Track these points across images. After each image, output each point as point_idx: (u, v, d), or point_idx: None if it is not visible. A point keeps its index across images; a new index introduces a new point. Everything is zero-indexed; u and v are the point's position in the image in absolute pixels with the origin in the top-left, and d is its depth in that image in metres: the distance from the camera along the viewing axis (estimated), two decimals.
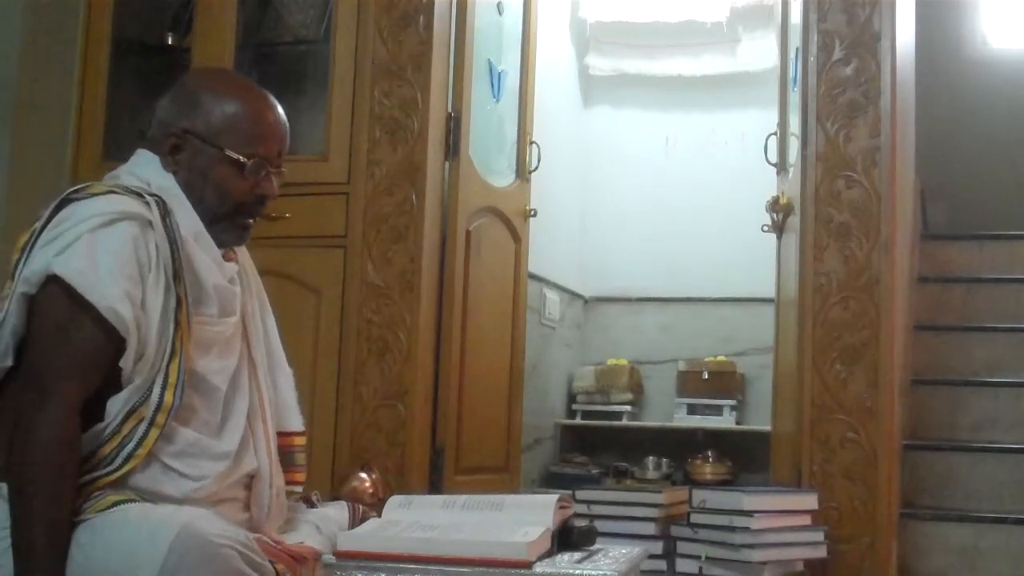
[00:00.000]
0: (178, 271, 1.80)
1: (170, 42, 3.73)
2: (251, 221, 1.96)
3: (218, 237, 1.92)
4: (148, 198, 1.81)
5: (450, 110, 3.41)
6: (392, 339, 3.22)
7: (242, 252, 2.05)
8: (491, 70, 3.78)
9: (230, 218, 1.92)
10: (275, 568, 1.71)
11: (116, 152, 3.60)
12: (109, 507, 1.68)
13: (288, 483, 2.01)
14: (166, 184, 1.88)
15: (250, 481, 1.90)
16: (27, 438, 1.65)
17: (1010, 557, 3.23)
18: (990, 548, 3.24)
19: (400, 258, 3.25)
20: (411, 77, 3.31)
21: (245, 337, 1.98)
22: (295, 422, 2.08)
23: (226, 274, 1.93)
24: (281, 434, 2.02)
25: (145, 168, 1.91)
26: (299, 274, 3.31)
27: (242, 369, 1.94)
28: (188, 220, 1.86)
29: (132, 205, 1.79)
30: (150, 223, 1.78)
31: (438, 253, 3.35)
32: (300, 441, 2.08)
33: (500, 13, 3.85)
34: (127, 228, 1.76)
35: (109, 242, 1.74)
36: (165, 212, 1.82)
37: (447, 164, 3.39)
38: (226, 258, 1.97)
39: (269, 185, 1.93)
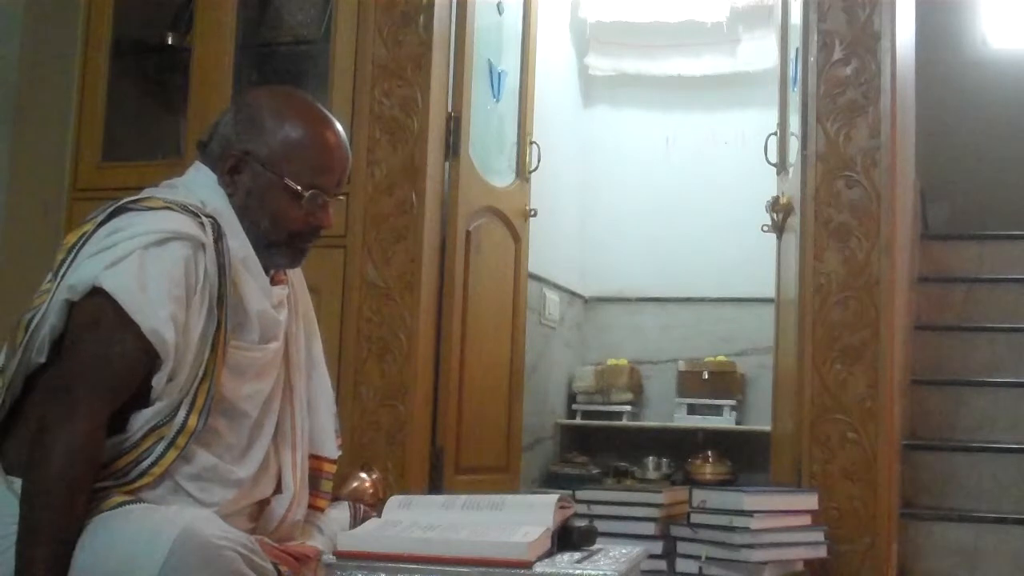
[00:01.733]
0: (223, 296, 1.77)
1: (170, 42, 3.73)
2: (307, 247, 1.93)
3: (270, 261, 1.89)
4: (204, 219, 1.78)
5: (450, 110, 3.41)
6: (392, 339, 3.22)
7: (296, 275, 2.03)
8: (491, 70, 3.78)
9: (284, 245, 1.89)
10: (277, 569, 1.71)
11: (116, 152, 3.61)
12: (112, 507, 1.67)
13: (309, 507, 2.00)
14: (220, 206, 1.85)
15: (263, 501, 1.89)
16: (48, 449, 1.62)
17: (1010, 557, 3.23)
18: (990, 548, 3.24)
19: (400, 258, 3.25)
20: (411, 77, 3.31)
21: (286, 362, 1.95)
22: (328, 449, 2.06)
23: (273, 299, 1.90)
24: (312, 458, 2.01)
25: (203, 187, 1.87)
26: None
27: (276, 394, 1.91)
28: (238, 243, 1.83)
29: (187, 225, 1.75)
30: (203, 245, 1.75)
31: (438, 253, 3.35)
32: (329, 468, 2.06)
33: (500, 13, 3.85)
34: (180, 249, 1.73)
35: (161, 262, 1.72)
36: (219, 235, 1.79)
37: (447, 164, 3.39)
38: (276, 280, 1.94)
39: (326, 216, 1.90)
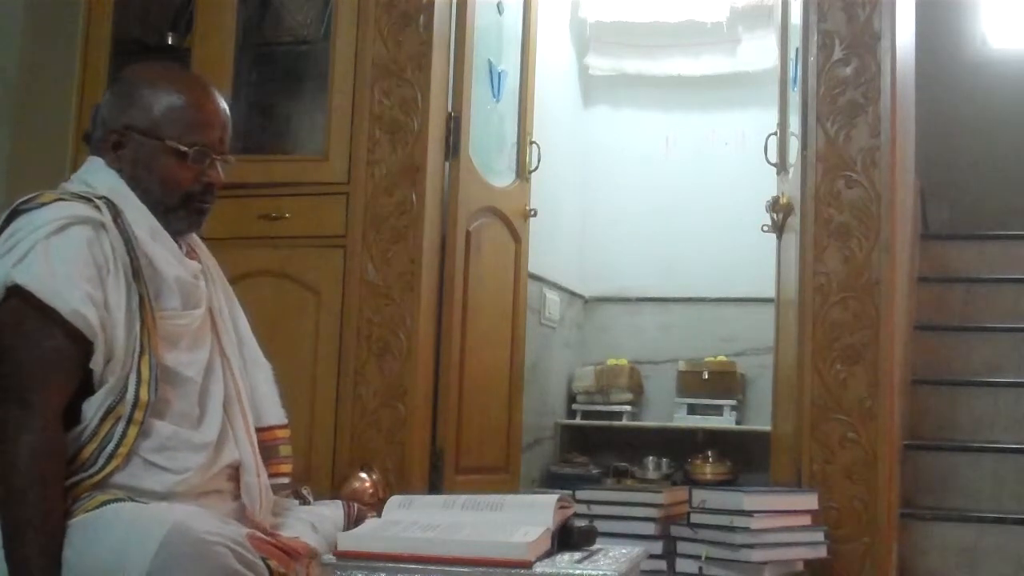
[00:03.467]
0: (137, 269, 1.82)
1: (170, 42, 3.72)
2: (205, 207, 1.97)
3: (172, 227, 1.93)
4: (97, 201, 1.83)
5: (450, 110, 3.41)
6: (392, 339, 3.22)
7: (204, 252, 2.06)
8: (491, 70, 3.78)
9: (181, 208, 1.94)
10: (268, 565, 1.72)
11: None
12: (99, 506, 1.69)
13: (273, 475, 2.02)
14: (114, 184, 1.90)
15: (235, 472, 1.91)
16: (12, 455, 1.65)
17: (1010, 557, 3.23)
18: (990, 548, 3.24)
19: (400, 258, 3.25)
20: (411, 77, 3.31)
21: (215, 331, 1.99)
22: (276, 415, 2.08)
23: (189, 270, 1.95)
24: (261, 429, 2.03)
25: (91, 173, 1.94)
26: (299, 274, 3.31)
27: (214, 361, 1.95)
28: (140, 216, 1.88)
29: (82, 209, 1.81)
30: (102, 225, 1.81)
31: (438, 253, 3.35)
32: (283, 434, 2.09)
33: (500, 13, 3.85)
34: (80, 232, 1.78)
35: (64, 247, 1.76)
36: (116, 213, 1.84)
37: (447, 164, 3.39)
38: (189, 257, 1.98)
39: (215, 173, 1.95)
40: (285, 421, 2.10)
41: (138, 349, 1.78)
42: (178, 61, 3.63)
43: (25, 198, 1.84)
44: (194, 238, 2.06)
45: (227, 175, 2.00)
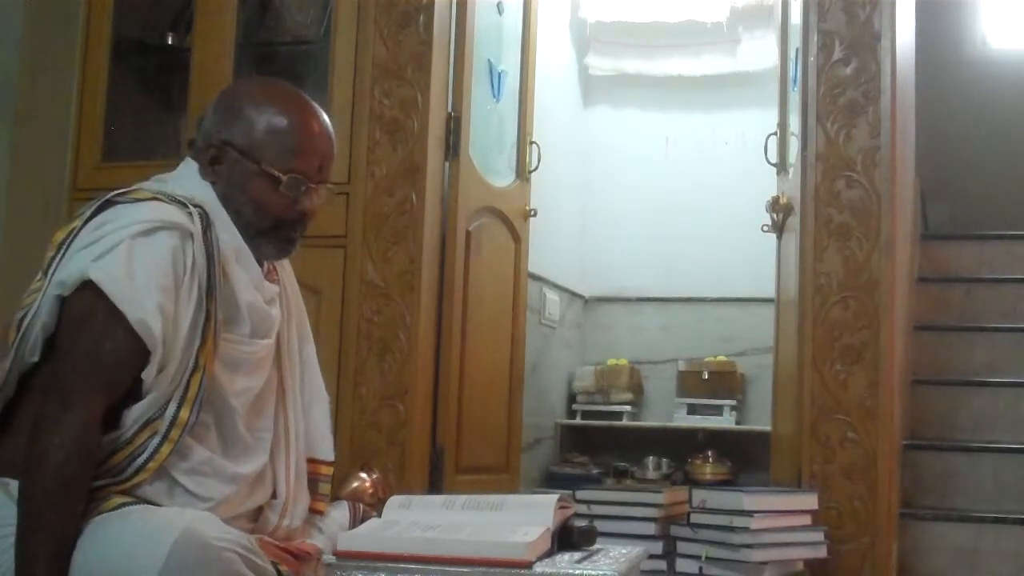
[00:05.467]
0: (212, 287, 1.77)
1: (170, 42, 3.73)
2: (295, 235, 1.92)
3: (258, 251, 1.89)
4: (192, 208, 1.78)
5: (450, 110, 3.41)
6: (392, 339, 3.22)
7: (287, 274, 2.02)
8: (491, 70, 3.78)
9: (271, 233, 1.89)
10: (277, 570, 1.71)
11: (116, 153, 3.61)
12: (112, 509, 1.67)
13: (308, 510, 2.00)
14: (206, 196, 1.84)
15: (260, 506, 1.89)
16: (44, 448, 1.61)
17: (1010, 557, 3.23)
18: (990, 548, 3.24)
19: (400, 258, 3.25)
20: (411, 77, 3.31)
21: (278, 362, 1.95)
22: (325, 452, 2.06)
23: (265, 295, 1.90)
24: (309, 461, 2.01)
25: (188, 179, 1.88)
26: (299, 274, 3.27)
27: (268, 394, 1.91)
28: (229, 235, 1.83)
29: (175, 214, 1.75)
30: (191, 234, 1.75)
31: (438, 253, 3.34)
32: (326, 471, 2.06)
33: (500, 13, 3.85)
34: (167, 238, 1.73)
35: (148, 251, 1.71)
36: (207, 224, 1.78)
37: (447, 164, 3.39)
38: (268, 278, 1.93)
39: (309, 202, 1.89)
40: (332, 459, 2.07)
41: (191, 367, 1.74)
42: (178, 61, 3.64)
43: (121, 190, 1.79)
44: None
45: (325, 204, 1.94)
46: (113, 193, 1.79)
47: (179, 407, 1.73)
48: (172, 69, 3.73)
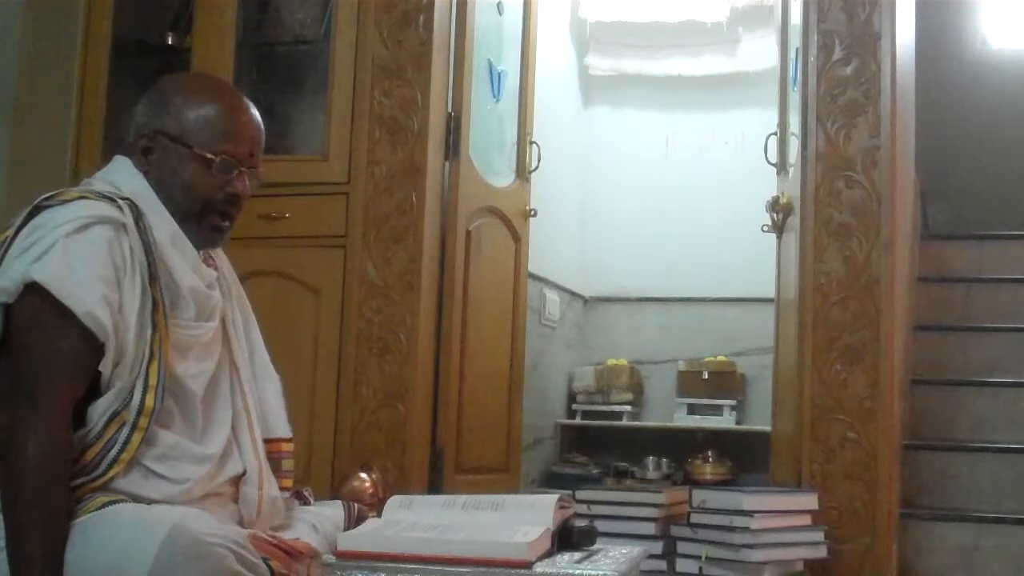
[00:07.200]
0: (154, 273, 1.81)
1: (170, 42, 3.73)
2: (226, 224, 1.95)
3: (191, 238, 1.92)
4: (120, 202, 1.82)
5: (450, 110, 3.42)
6: (392, 339, 3.22)
7: (222, 260, 2.05)
8: (491, 70, 3.78)
9: (201, 217, 1.92)
10: (269, 566, 1.72)
11: (116, 152, 3.60)
12: (100, 507, 1.69)
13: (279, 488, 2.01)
14: (138, 187, 1.89)
15: (237, 481, 1.90)
16: (20, 452, 1.64)
17: (1010, 557, 3.23)
18: (990, 548, 3.24)
19: (400, 258, 3.25)
20: (411, 77, 3.31)
21: (227, 343, 1.98)
22: (282, 429, 2.08)
23: (204, 278, 1.93)
24: (268, 441, 2.02)
25: (117, 173, 1.92)
26: (299, 274, 3.31)
27: (222, 374, 1.94)
28: (162, 222, 1.87)
29: (104, 209, 1.79)
30: (124, 226, 1.79)
31: (438, 253, 3.35)
32: (287, 447, 2.08)
33: (500, 13, 3.85)
34: (101, 232, 1.77)
35: (84, 247, 1.75)
36: (138, 215, 1.82)
37: (447, 164, 3.39)
38: (206, 264, 1.97)
39: (241, 184, 1.93)
40: (290, 435, 2.09)
41: (147, 355, 1.77)
42: (178, 61, 3.64)
43: (48, 194, 1.82)
44: None
45: (255, 189, 1.97)
46: (40, 199, 1.82)
47: (143, 395, 1.76)
48: (172, 69, 3.72)
